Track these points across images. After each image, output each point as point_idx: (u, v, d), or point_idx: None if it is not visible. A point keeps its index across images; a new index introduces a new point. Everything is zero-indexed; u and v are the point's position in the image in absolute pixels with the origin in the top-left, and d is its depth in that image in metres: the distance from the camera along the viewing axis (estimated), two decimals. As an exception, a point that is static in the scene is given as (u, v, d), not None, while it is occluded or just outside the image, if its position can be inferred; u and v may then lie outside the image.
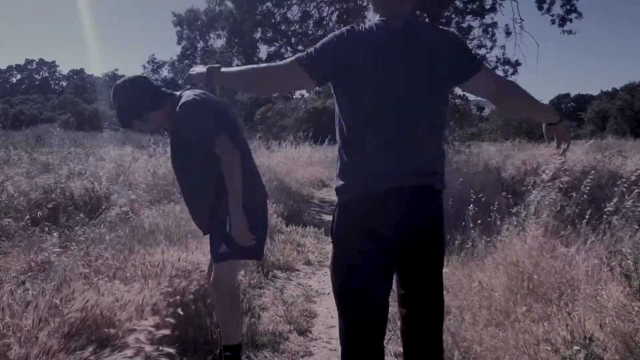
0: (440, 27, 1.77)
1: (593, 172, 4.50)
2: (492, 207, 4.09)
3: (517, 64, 11.80)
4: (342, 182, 1.67)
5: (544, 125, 1.93)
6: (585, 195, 3.90)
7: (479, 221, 3.96)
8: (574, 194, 3.90)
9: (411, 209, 1.61)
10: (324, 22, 11.77)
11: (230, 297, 2.38)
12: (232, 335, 2.40)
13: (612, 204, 3.49)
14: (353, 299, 1.71)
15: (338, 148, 1.72)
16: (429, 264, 1.71)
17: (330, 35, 1.66)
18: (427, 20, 9.54)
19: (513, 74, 11.91)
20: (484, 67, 1.74)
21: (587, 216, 3.52)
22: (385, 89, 1.59)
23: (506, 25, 11.45)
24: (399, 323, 3.13)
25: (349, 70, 1.60)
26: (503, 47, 12.73)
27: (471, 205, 4.14)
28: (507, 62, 11.88)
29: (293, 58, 1.67)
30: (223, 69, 1.79)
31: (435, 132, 1.70)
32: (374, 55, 1.59)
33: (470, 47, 1.80)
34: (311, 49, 1.65)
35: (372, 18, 1.73)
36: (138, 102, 2.29)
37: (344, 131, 1.68)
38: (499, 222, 3.93)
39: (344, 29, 1.64)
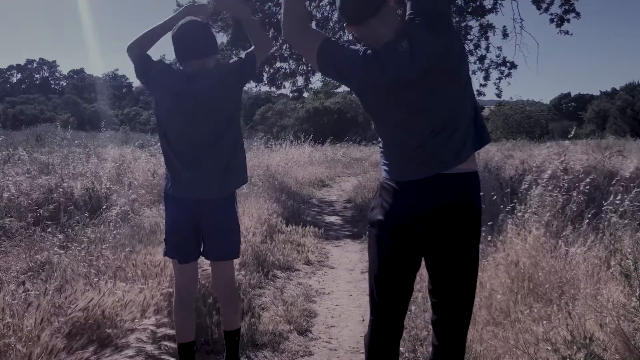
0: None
1: (593, 171, 4.50)
2: (492, 207, 4.10)
3: (512, 65, 11.74)
4: (381, 167, 1.82)
5: None
6: (584, 195, 3.91)
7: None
8: (574, 194, 3.90)
9: (432, 200, 1.67)
10: (326, 23, 11.72)
11: (174, 298, 2.40)
12: (176, 334, 2.39)
13: (609, 202, 3.50)
14: (377, 280, 1.82)
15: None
16: (455, 256, 1.73)
17: (356, 49, 1.72)
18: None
19: (507, 75, 11.84)
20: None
21: (589, 215, 3.53)
22: (401, 103, 1.68)
23: (504, 26, 11.36)
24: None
25: (364, 89, 1.73)
26: (499, 48, 12.65)
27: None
28: (502, 63, 11.81)
29: (321, 39, 1.77)
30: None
31: (453, 126, 1.70)
32: (387, 79, 1.65)
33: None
34: (335, 43, 1.77)
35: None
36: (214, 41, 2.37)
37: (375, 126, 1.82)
38: (499, 222, 3.94)
39: (363, 51, 1.70)
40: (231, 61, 2.35)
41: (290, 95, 13.54)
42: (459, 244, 1.71)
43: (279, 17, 11.74)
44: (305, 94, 15.43)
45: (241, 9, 2.43)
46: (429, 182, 1.67)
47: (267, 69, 12.40)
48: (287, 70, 12.56)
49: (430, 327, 1.87)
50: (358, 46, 1.75)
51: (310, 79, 12.93)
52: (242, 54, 2.33)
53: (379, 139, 1.82)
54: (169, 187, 2.33)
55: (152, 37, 2.37)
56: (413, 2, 1.70)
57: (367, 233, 1.88)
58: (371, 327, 1.84)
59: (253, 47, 2.34)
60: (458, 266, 1.73)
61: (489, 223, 3.94)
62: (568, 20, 10.60)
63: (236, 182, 2.38)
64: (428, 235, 1.70)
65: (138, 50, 2.33)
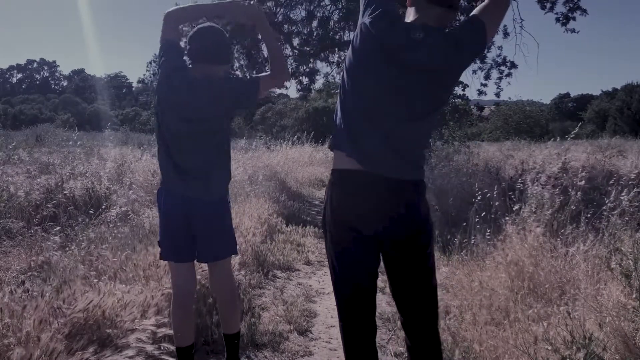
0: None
1: (592, 171, 4.50)
2: (492, 207, 4.10)
3: (512, 65, 11.73)
4: (333, 165, 1.76)
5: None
6: (584, 194, 3.90)
7: (477, 220, 3.97)
8: (572, 192, 3.90)
9: (388, 200, 1.66)
10: (326, 22, 11.71)
11: (172, 299, 2.39)
12: (175, 337, 2.37)
13: (610, 200, 3.50)
14: (338, 283, 1.82)
15: (337, 125, 1.77)
16: (412, 258, 1.73)
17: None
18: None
19: (508, 75, 11.84)
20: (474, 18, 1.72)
21: (586, 215, 3.53)
22: (382, 88, 1.65)
23: (504, 26, 11.35)
24: (398, 323, 3.15)
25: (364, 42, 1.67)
26: (500, 47, 12.68)
27: (471, 205, 4.15)
28: (502, 63, 11.81)
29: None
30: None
31: (422, 131, 1.73)
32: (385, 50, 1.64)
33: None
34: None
35: (408, 14, 1.77)
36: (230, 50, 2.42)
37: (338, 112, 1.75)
38: (499, 221, 3.94)
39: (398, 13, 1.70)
40: (236, 79, 2.31)
41: (298, 95, 13.55)
42: (411, 241, 1.71)
43: (280, 18, 11.75)
44: (311, 94, 15.48)
45: (268, 28, 2.37)
46: (387, 185, 1.65)
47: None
48: (292, 69, 12.53)
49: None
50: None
51: (315, 78, 12.92)
52: (248, 77, 2.29)
53: (344, 100, 1.73)
54: (162, 181, 2.34)
55: (196, 13, 2.39)
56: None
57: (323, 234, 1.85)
58: (342, 332, 1.83)
59: (266, 74, 2.32)
60: (415, 267, 1.73)
61: (483, 214, 3.95)
62: (574, 19, 10.56)
63: (221, 188, 2.35)
64: (383, 236, 1.69)
65: (174, 24, 2.31)
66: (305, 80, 12.78)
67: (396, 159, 1.66)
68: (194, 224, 2.27)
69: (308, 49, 12.07)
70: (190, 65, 2.31)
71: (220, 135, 2.31)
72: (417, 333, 1.77)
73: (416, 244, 1.71)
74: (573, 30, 10.70)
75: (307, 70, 12.60)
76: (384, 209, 1.66)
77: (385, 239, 1.70)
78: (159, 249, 2.36)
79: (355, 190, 1.68)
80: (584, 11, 10.52)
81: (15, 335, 2.14)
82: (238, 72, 12.50)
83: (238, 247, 2.52)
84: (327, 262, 1.84)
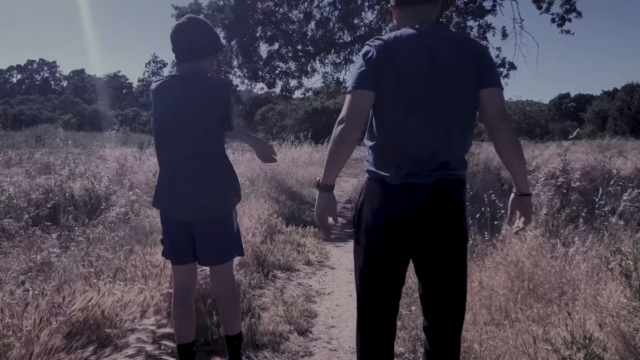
0: (465, 35, 1.81)
1: (592, 171, 4.49)
2: (492, 207, 4.09)
3: (512, 66, 11.72)
4: (369, 169, 1.74)
5: (512, 194, 1.89)
6: (583, 195, 3.90)
7: (475, 222, 3.97)
8: (572, 193, 3.91)
9: (423, 204, 1.65)
10: (326, 23, 11.74)
11: (172, 298, 2.40)
12: (175, 335, 2.38)
13: (602, 198, 3.50)
14: (365, 278, 1.79)
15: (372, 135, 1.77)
16: (445, 259, 1.72)
17: (359, 59, 1.68)
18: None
19: (505, 77, 11.84)
20: (499, 88, 1.72)
21: (583, 214, 3.53)
22: (409, 88, 1.63)
23: (503, 27, 11.37)
24: (399, 323, 3.15)
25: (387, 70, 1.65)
26: (499, 48, 12.73)
27: (471, 205, 4.15)
28: (501, 64, 11.80)
29: (346, 101, 1.64)
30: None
31: (455, 127, 1.69)
32: (406, 58, 1.63)
33: (492, 61, 1.82)
34: (354, 76, 1.66)
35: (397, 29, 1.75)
36: (214, 40, 2.28)
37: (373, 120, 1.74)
38: (499, 222, 3.93)
39: (368, 48, 1.66)
40: (218, 100, 2.17)
41: (279, 94, 13.60)
42: (448, 244, 1.71)
43: (278, 17, 11.76)
44: (300, 94, 15.52)
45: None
46: (424, 187, 1.65)
47: (265, 69, 12.41)
48: (286, 70, 12.57)
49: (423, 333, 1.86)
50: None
51: (305, 78, 12.96)
52: (223, 114, 2.17)
53: (375, 129, 1.72)
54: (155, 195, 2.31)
55: None
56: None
57: (353, 237, 1.82)
58: (360, 334, 1.81)
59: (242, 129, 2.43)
60: (448, 268, 1.73)
61: (478, 214, 3.94)
62: (569, 20, 10.67)
63: (218, 203, 2.24)
64: (418, 235, 1.68)
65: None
66: (293, 82, 12.83)
67: (416, 161, 1.64)
68: (194, 227, 2.25)
69: (310, 49, 12.10)
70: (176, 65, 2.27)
71: (208, 143, 2.20)
72: (440, 339, 1.77)
73: (450, 248, 1.71)
74: (568, 32, 10.79)
75: (301, 71, 12.65)
76: (418, 214, 1.65)
77: (418, 244, 1.70)
78: (162, 247, 2.39)
79: (389, 193, 1.67)
80: (579, 14, 10.62)
81: (15, 335, 2.14)
82: (237, 70, 12.55)
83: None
84: (353, 262, 1.84)
